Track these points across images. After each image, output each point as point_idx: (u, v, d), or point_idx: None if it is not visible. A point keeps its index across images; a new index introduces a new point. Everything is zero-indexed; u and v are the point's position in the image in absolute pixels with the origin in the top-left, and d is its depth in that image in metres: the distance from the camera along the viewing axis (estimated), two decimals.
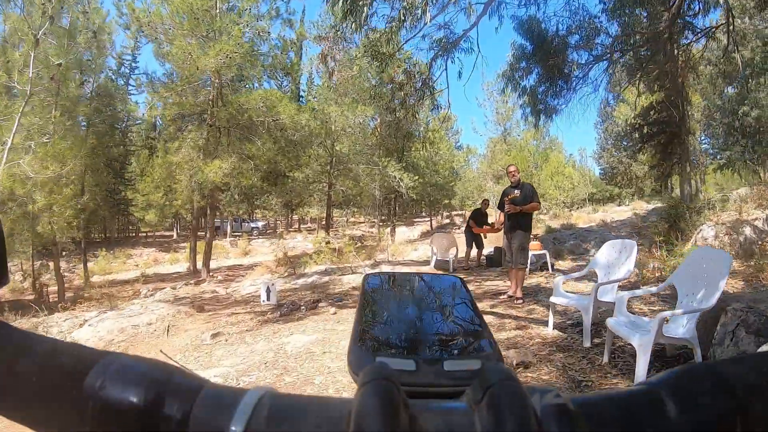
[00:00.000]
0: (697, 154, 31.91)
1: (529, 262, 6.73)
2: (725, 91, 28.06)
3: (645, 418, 0.30)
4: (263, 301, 7.52)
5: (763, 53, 18.26)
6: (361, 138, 24.80)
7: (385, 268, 10.39)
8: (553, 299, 4.90)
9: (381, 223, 29.76)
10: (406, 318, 0.48)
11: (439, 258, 10.89)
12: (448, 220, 39.73)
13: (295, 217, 47.04)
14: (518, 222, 6.63)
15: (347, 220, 33.73)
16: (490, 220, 10.91)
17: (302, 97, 33.63)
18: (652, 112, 18.61)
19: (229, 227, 41.12)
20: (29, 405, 0.31)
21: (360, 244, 29.99)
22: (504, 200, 6.71)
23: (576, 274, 5.33)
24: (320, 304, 7.30)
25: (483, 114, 54.57)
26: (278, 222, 50.42)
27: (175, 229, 43.17)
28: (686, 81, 16.23)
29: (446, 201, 36.35)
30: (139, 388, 0.30)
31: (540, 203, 6.97)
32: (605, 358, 3.84)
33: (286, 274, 12.20)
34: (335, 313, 6.66)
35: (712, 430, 0.30)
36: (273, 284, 7.66)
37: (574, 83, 13.30)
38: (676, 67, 15.32)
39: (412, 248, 18.85)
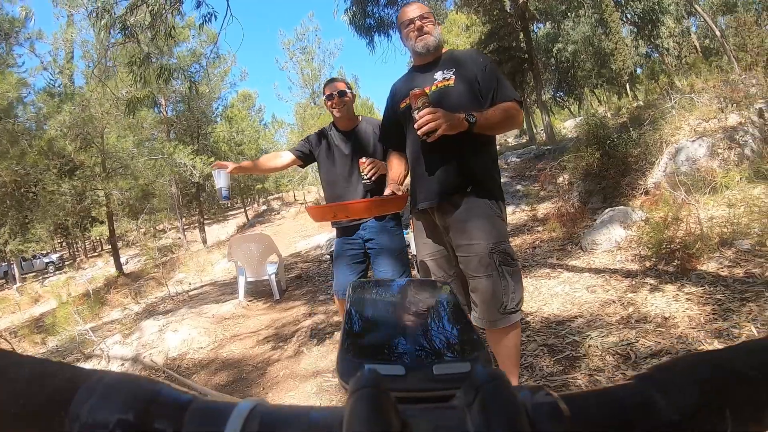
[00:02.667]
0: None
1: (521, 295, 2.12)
2: (539, 28, 27.42)
3: (635, 413, 0.30)
4: None
5: None
6: (135, 123, 19.04)
7: (149, 328, 5.29)
8: None
9: (185, 226, 23.81)
10: (394, 324, 0.48)
11: (250, 279, 5.99)
12: (265, 207, 34.50)
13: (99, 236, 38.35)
14: (464, 167, 2.07)
15: (151, 230, 26.91)
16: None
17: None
18: (493, 39, 15.47)
19: (16, 270, 31.62)
20: (15, 430, 0.30)
21: (170, 254, 23.76)
22: (409, 107, 2.05)
23: None
24: None
25: (287, 77, 48.69)
26: (79, 248, 41.13)
27: None
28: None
29: (259, 186, 31.02)
30: (125, 408, 0.29)
31: (521, 100, 2.23)
32: None
33: None
34: None
35: (702, 421, 0.30)
36: None
37: None
38: None
39: (220, 254, 13.65)
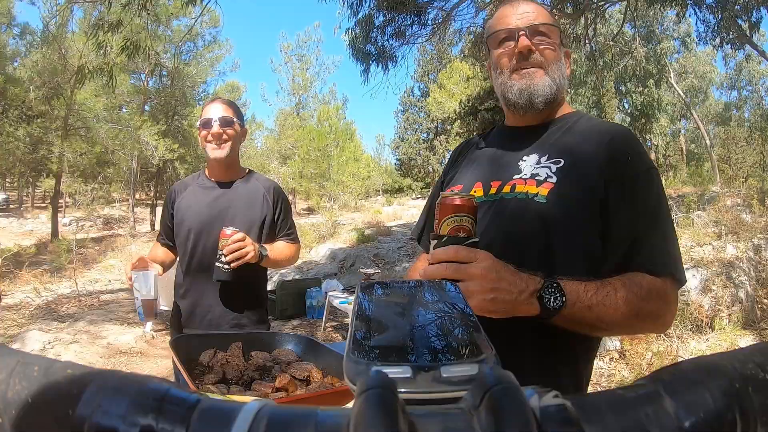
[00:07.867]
0: None
1: None
2: None
3: (644, 415, 0.30)
4: None
5: (587, 66, 16.63)
6: (111, 85, 18.07)
7: (32, 341, 4.49)
8: None
9: (136, 202, 22.62)
10: (402, 324, 0.46)
11: (164, 307, 5.19)
12: None
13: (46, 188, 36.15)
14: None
15: (101, 199, 25.38)
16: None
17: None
18: (491, 97, 15.19)
19: None
20: (24, 430, 0.31)
21: (116, 225, 22.32)
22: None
23: None
24: None
25: (277, 81, 47.18)
26: (28, 194, 38.93)
27: None
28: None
29: None
30: (133, 407, 0.30)
31: (682, 279, 1.02)
32: None
33: None
34: None
35: (712, 424, 0.30)
36: None
37: (430, 16, 8.76)
38: None
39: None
